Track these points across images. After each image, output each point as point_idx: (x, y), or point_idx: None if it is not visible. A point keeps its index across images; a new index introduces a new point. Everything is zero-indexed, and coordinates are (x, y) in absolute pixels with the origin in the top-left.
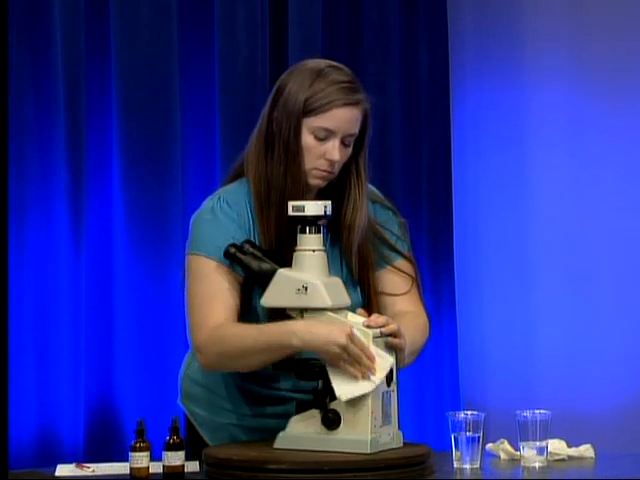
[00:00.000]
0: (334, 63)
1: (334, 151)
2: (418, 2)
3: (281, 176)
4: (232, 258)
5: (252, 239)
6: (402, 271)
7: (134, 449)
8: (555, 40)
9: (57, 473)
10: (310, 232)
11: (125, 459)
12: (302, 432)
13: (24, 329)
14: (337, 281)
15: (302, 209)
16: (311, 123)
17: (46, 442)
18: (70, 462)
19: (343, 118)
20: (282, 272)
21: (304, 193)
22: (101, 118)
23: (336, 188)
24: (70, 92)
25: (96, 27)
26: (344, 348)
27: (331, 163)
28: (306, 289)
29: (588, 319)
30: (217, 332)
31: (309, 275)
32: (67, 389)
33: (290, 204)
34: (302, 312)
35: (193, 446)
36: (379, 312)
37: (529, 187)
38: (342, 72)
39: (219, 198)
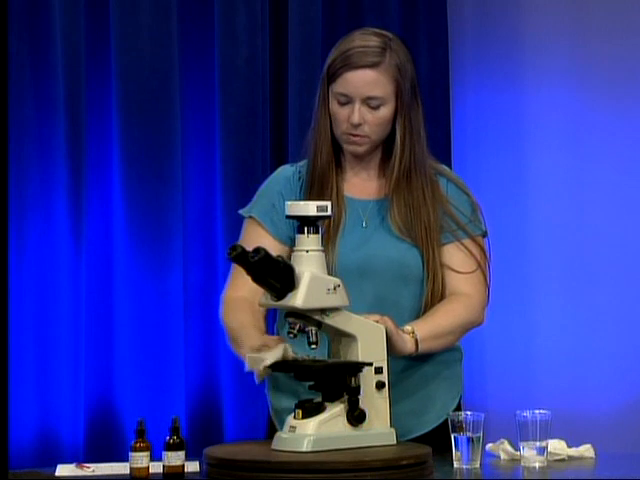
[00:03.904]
0: (371, 29)
1: (353, 114)
2: (418, 2)
3: (310, 146)
4: (239, 259)
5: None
6: (469, 251)
7: (134, 449)
8: (555, 41)
9: (57, 473)
10: (309, 232)
11: (125, 459)
12: (330, 433)
13: (24, 329)
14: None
15: (301, 209)
16: (333, 89)
17: (46, 442)
18: (70, 462)
19: (356, 82)
20: (314, 273)
21: (328, 162)
22: (101, 118)
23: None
24: (70, 92)
25: (96, 27)
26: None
27: (354, 126)
28: (335, 289)
29: (588, 319)
30: (229, 305)
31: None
32: (67, 389)
33: (288, 204)
34: (324, 312)
35: None
36: (442, 285)
37: (529, 188)
38: (366, 37)
39: (291, 164)
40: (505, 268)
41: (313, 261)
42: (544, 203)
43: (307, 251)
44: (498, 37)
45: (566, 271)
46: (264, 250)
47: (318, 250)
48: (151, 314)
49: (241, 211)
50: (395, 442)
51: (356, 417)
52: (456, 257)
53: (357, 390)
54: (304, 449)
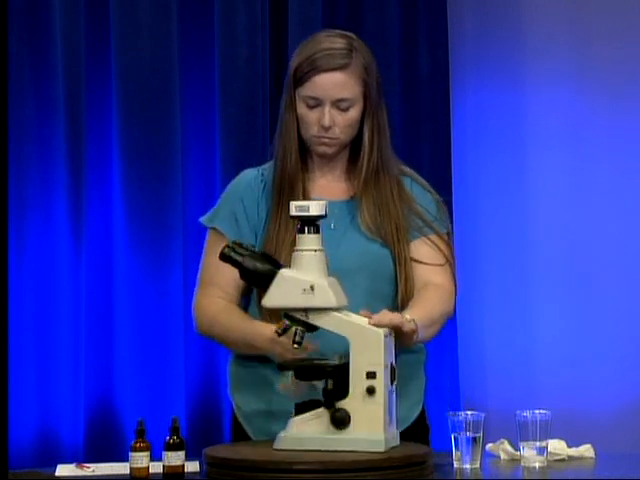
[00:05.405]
0: (334, 31)
1: (324, 117)
2: (418, 2)
3: (277, 149)
4: (226, 258)
5: (252, 214)
6: (437, 246)
7: (134, 449)
8: (555, 42)
9: (57, 473)
10: (309, 232)
11: (125, 459)
12: (310, 433)
13: (24, 329)
14: (336, 282)
15: (302, 209)
16: (300, 93)
17: (46, 442)
18: (70, 462)
19: (325, 84)
20: (285, 273)
21: (296, 165)
22: (101, 118)
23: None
24: (70, 92)
25: (96, 27)
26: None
27: (325, 129)
28: (312, 289)
29: (588, 319)
30: (211, 318)
31: (313, 275)
32: (67, 389)
33: (292, 204)
34: (307, 312)
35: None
36: (412, 281)
37: (529, 188)
38: (332, 39)
39: (255, 167)
40: (505, 268)
41: (315, 261)
42: (544, 204)
43: (303, 251)
44: (498, 38)
45: (566, 271)
46: (229, 249)
47: (314, 250)
48: (151, 314)
49: (202, 219)
50: (383, 450)
51: (337, 420)
52: (424, 250)
53: (333, 393)
54: (278, 446)
